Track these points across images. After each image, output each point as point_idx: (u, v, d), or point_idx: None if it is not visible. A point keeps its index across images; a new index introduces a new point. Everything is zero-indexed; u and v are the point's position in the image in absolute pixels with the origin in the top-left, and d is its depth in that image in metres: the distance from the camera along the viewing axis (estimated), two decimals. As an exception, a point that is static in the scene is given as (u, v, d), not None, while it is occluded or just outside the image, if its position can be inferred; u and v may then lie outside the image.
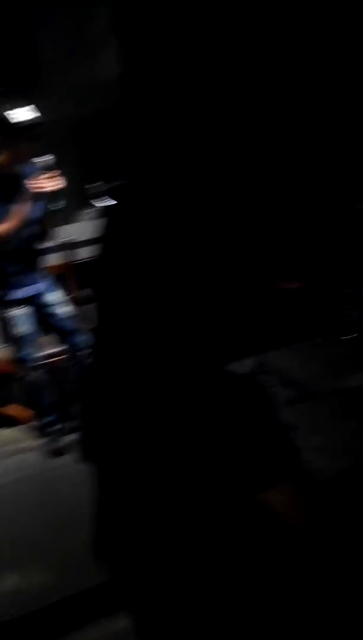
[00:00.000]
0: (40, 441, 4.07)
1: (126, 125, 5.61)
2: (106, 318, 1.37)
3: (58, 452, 3.96)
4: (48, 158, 3.71)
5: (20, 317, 3.86)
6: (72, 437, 4.01)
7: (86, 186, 3.87)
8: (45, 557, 2.93)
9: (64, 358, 4.14)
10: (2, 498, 3.54)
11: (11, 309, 3.86)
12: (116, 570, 1.52)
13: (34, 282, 3.91)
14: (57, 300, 3.98)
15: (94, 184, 3.92)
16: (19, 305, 3.86)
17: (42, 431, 4.08)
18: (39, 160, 3.71)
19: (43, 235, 3.91)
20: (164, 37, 5.52)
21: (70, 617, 2.64)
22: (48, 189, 3.67)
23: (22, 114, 3.63)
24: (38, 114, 3.65)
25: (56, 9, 5.95)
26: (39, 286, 3.93)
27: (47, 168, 3.69)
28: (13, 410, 4.45)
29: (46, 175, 3.67)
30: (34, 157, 3.71)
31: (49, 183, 3.67)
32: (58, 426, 4.02)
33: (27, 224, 3.77)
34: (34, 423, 4.16)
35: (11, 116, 3.62)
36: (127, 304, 1.31)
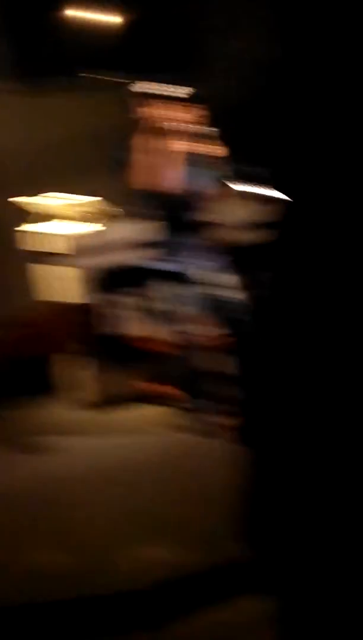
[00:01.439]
0: (190, 422, 4.12)
1: (286, 107, 5.53)
2: (286, 310, 1.34)
3: (206, 434, 3.99)
4: (213, 129, 3.78)
5: (190, 294, 3.88)
6: (221, 419, 4.04)
7: (238, 167, 3.86)
8: (185, 534, 2.98)
9: (224, 341, 4.14)
10: (148, 475, 3.63)
11: (182, 285, 3.89)
12: (262, 553, 1.52)
13: (209, 259, 3.91)
14: (228, 281, 3.97)
15: (245, 165, 3.90)
16: (190, 282, 3.88)
17: (192, 412, 4.12)
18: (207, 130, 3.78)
19: (209, 207, 3.92)
20: (332, 15, 5.38)
21: (205, 594, 2.67)
22: (219, 155, 3.72)
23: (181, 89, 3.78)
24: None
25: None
26: (213, 264, 3.93)
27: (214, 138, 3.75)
28: (165, 389, 4.53)
29: (215, 144, 3.79)
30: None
31: (219, 150, 3.73)
32: (208, 408, 4.05)
33: (199, 195, 3.82)
34: (185, 403, 4.21)
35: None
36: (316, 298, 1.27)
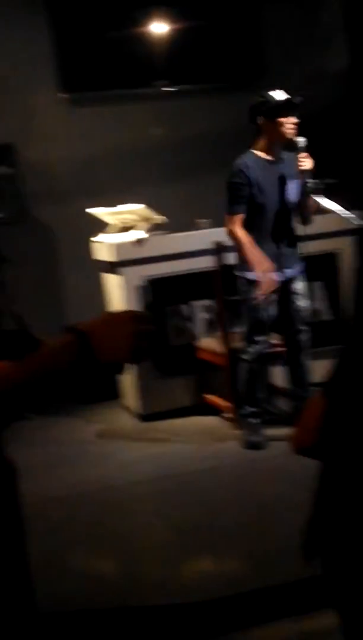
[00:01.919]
0: (241, 432, 4.10)
1: (356, 120, 5.47)
2: None
3: (257, 445, 3.95)
4: (302, 139, 3.79)
5: (264, 303, 3.87)
6: (273, 431, 4.01)
7: (308, 183, 3.84)
8: (237, 547, 2.94)
9: (282, 351, 4.11)
10: (199, 485, 3.61)
11: (259, 292, 3.83)
12: (326, 570, 1.47)
13: (289, 267, 3.91)
14: (301, 290, 3.96)
15: (317, 180, 3.88)
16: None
17: (243, 422, 4.10)
18: (297, 140, 3.79)
19: (303, 218, 3.92)
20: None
21: (259, 609, 2.62)
22: (309, 167, 3.76)
23: (279, 95, 3.80)
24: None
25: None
26: (292, 272, 3.93)
27: (303, 148, 3.78)
28: (214, 399, 4.52)
29: (304, 155, 3.76)
30: (291, 137, 3.80)
31: (308, 161, 3.77)
32: (260, 419, 4.02)
33: (287, 203, 3.84)
34: (236, 414, 4.20)
35: (271, 95, 3.79)
36: None
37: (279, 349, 4.10)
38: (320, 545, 1.46)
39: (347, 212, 3.86)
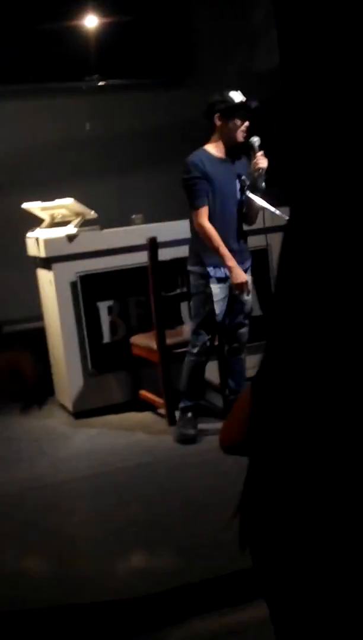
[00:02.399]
0: (175, 427, 4.13)
1: (287, 116, 5.55)
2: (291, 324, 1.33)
3: (191, 439, 3.98)
4: (257, 138, 3.82)
5: (218, 298, 3.89)
6: (205, 425, 4.05)
7: (242, 177, 3.90)
8: (171, 541, 2.96)
9: (218, 346, 4.16)
10: (132, 480, 3.62)
11: (213, 287, 3.89)
12: (256, 561, 1.50)
13: (243, 262, 3.95)
14: (249, 285, 3.97)
15: (244, 176, 3.93)
16: (222, 284, 3.90)
17: (179, 417, 4.13)
18: (252, 140, 3.84)
19: (249, 217, 3.99)
20: (329, 23, 5.39)
21: (193, 603, 2.65)
22: (264, 166, 3.80)
23: (237, 96, 3.83)
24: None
25: None
26: (244, 267, 3.96)
27: (258, 147, 3.83)
28: (148, 395, 4.53)
29: (260, 153, 3.82)
30: (243, 138, 3.85)
31: (264, 160, 3.82)
32: (195, 413, 4.05)
33: (233, 203, 3.89)
34: (169, 409, 4.22)
35: (230, 96, 3.81)
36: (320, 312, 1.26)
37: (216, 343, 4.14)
38: (249, 536, 1.49)
39: (276, 209, 3.92)
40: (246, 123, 3.85)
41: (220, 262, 3.85)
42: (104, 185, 5.68)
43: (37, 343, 5.05)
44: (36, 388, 1.34)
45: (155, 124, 5.91)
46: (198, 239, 3.92)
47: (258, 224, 4.75)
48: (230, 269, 3.81)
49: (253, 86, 5.91)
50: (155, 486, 3.52)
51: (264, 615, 1.69)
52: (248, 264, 4.03)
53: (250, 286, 4.00)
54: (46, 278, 4.69)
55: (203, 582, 2.66)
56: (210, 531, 2.95)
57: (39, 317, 4.95)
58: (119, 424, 4.45)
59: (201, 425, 4.04)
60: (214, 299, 3.89)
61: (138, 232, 4.52)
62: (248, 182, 3.88)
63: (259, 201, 3.90)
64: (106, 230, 4.63)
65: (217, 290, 3.90)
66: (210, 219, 3.86)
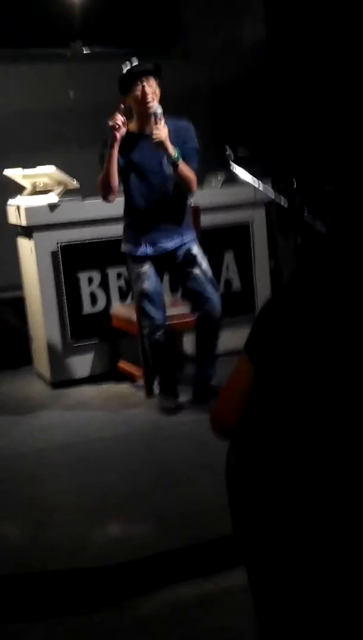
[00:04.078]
0: (153, 399, 4.14)
1: (269, 91, 5.50)
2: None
3: (169, 411, 4.00)
4: (157, 107, 3.70)
5: (147, 275, 3.88)
6: (182, 397, 4.07)
7: (227, 151, 3.82)
8: (149, 510, 2.98)
9: (189, 322, 4.11)
10: (109, 451, 3.63)
11: (138, 266, 3.89)
12: (236, 529, 1.52)
13: (167, 239, 3.90)
14: (194, 260, 3.92)
15: (229, 149, 3.88)
16: (147, 262, 3.88)
17: (151, 390, 4.14)
18: (153, 110, 3.68)
19: (180, 191, 3.84)
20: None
21: (170, 571, 2.68)
22: (163, 137, 3.64)
23: (125, 66, 3.70)
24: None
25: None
26: (172, 244, 3.90)
27: (157, 117, 3.67)
28: (127, 366, 4.53)
29: (159, 125, 3.66)
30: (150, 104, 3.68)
31: (162, 132, 3.65)
32: (171, 386, 4.06)
33: (156, 177, 3.80)
34: (148, 381, 4.23)
35: (123, 68, 3.70)
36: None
37: (187, 319, 4.13)
38: (233, 506, 1.51)
39: (259, 182, 3.87)
40: (146, 88, 3.66)
41: (140, 240, 3.83)
42: (87, 155, 5.59)
43: (17, 311, 5.04)
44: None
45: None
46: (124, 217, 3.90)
47: (239, 198, 4.75)
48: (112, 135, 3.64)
49: (239, 58, 5.87)
50: (133, 457, 3.54)
51: (242, 583, 1.72)
52: (188, 238, 3.92)
53: (200, 258, 3.90)
54: (26, 247, 4.66)
55: (179, 549, 2.69)
56: (188, 500, 2.98)
57: (19, 285, 4.92)
58: (97, 395, 4.46)
59: (180, 398, 4.05)
60: (143, 277, 3.86)
61: (119, 203, 4.49)
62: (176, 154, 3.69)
63: (243, 175, 3.86)
64: (87, 201, 4.59)
65: (145, 267, 3.86)
66: (130, 195, 3.81)
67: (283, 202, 3.77)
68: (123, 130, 3.62)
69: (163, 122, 3.67)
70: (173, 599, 2.56)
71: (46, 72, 5.83)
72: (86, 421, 4.05)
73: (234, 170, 3.87)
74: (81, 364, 4.63)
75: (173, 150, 3.68)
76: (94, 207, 4.52)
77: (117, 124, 3.60)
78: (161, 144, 3.66)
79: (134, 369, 4.43)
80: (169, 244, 3.88)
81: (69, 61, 5.99)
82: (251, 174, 3.89)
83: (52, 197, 4.51)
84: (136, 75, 3.68)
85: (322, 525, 1.35)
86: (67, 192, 4.62)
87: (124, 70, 3.69)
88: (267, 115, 5.43)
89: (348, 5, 5.22)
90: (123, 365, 4.58)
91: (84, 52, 5.94)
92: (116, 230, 4.47)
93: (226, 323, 4.07)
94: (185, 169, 3.75)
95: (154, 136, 3.65)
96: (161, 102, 3.78)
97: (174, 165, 3.71)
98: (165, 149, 3.67)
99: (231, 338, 4.14)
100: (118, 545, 2.77)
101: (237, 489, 1.51)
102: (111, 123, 3.61)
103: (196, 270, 3.91)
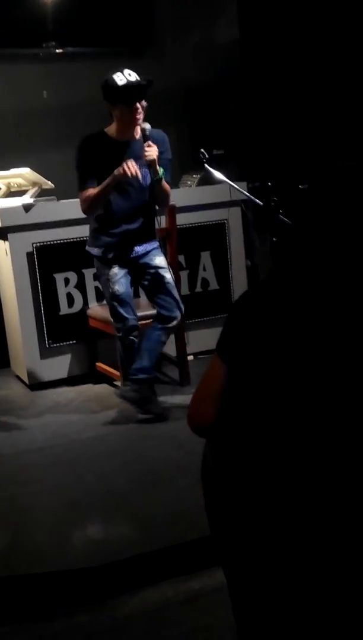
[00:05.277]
0: (133, 401, 4.14)
1: (243, 91, 5.52)
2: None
3: (148, 412, 4.00)
4: (147, 125, 3.70)
5: (117, 277, 3.89)
6: (162, 398, 4.08)
7: (200, 152, 3.84)
8: (128, 511, 2.99)
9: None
10: (89, 452, 3.63)
11: (108, 268, 3.90)
12: (213, 530, 1.54)
13: (136, 244, 3.93)
14: (159, 264, 3.97)
15: (204, 150, 3.91)
16: (115, 265, 3.89)
17: (137, 392, 4.14)
18: (142, 127, 3.69)
19: (154, 202, 3.90)
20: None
21: (149, 571, 2.69)
22: (153, 157, 3.68)
23: (121, 78, 3.61)
24: (143, 77, 3.65)
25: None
26: (141, 248, 3.95)
27: (147, 136, 3.69)
28: (106, 367, 4.53)
29: (147, 143, 3.68)
30: (142, 120, 3.71)
31: (152, 151, 3.68)
32: (148, 386, 4.06)
33: (133, 187, 3.82)
34: (125, 381, 4.23)
35: (117, 79, 3.62)
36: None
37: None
38: (210, 507, 1.52)
39: (232, 182, 3.89)
40: (138, 105, 3.66)
41: (111, 244, 3.85)
42: (61, 155, 5.59)
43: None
44: None
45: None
46: (90, 220, 3.92)
47: (215, 198, 4.77)
48: (116, 176, 3.67)
49: (213, 59, 5.89)
50: (111, 457, 3.55)
51: (220, 583, 1.74)
52: (154, 244, 3.98)
53: (163, 266, 3.93)
54: (1, 248, 4.64)
55: (161, 549, 2.71)
56: (167, 501, 3.00)
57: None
58: (76, 396, 4.45)
59: (159, 398, 4.06)
60: (113, 279, 3.87)
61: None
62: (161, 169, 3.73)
63: (218, 175, 3.89)
64: (62, 201, 4.59)
65: (115, 270, 3.87)
66: (106, 203, 3.81)
67: (258, 201, 3.80)
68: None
69: (148, 142, 3.68)
70: (156, 599, 2.58)
71: (19, 72, 5.81)
72: (65, 422, 4.05)
73: (208, 170, 3.89)
74: (59, 365, 4.63)
75: (159, 169, 3.72)
76: (70, 207, 4.52)
77: (133, 175, 3.63)
78: (152, 163, 3.69)
79: (112, 370, 4.43)
80: (139, 248, 3.92)
81: (42, 61, 5.97)
82: (225, 174, 3.92)
83: (27, 199, 4.49)
84: (131, 91, 3.64)
85: (296, 523, 1.37)
86: (42, 193, 4.61)
87: (118, 82, 3.62)
88: (242, 116, 5.46)
89: (321, 7, 5.26)
90: (101, 365, 4.58)
91: (58, 52, 5.93)
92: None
93: (203, 322, 4.09)
94: (165, 185, 3.82)
95: (146, 155, 3.67)
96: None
97: (158, 181, 3.75)
98: (154, 167, 3.71)
99: (208, 337, 4.18)
100: (100, 546, 2.78)
101: (213, 487, 1.52)
102: (129, 174, 3.62)
103: (160, 275, 3.94)
